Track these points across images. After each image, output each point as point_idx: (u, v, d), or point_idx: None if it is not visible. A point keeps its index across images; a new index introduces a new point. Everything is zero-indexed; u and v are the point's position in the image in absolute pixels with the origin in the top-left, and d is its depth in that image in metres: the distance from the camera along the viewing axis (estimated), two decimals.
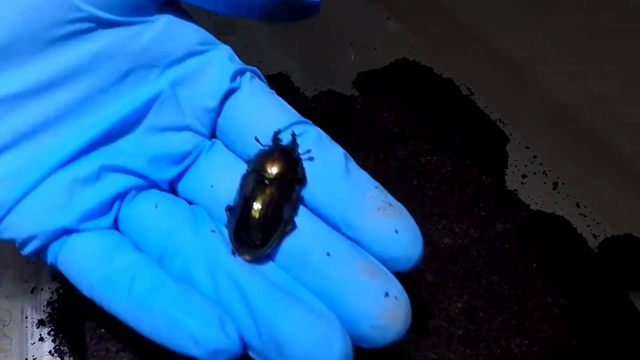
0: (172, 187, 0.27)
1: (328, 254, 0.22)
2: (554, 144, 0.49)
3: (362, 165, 0.32)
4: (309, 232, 0.23)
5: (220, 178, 0.26)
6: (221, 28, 0.58)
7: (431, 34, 0.58)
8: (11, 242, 0.26)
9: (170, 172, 0.26)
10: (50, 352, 0.35)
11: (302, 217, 0.24)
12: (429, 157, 0.35)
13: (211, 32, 0.54)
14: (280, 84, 0.41)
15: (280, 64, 0.54)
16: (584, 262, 0.31)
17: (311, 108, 0.37)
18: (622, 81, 0.52)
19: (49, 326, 0.37)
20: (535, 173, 0.46)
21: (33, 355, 0.36)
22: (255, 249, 0.23)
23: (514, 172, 0.45)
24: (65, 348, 0.36)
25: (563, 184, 0.46)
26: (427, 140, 0.35)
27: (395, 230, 0.22)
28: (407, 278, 0.28)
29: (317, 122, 0.36)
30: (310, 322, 0.21)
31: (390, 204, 0.23)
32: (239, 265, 0.23)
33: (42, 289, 0.39)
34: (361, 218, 0.23)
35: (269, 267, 0.23)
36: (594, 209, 0.44)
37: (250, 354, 0.22)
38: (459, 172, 0.34)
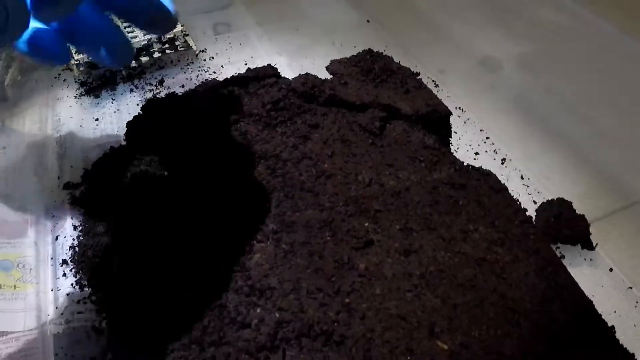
0: None
1: None
2: (507, 128, 0.59)
3: (330, 127, 0.43)
4: None
5: None
6: (218, 28, 0.69)
7: (405, 34, 0.69)
8: None
9: None
10: (72, 284, 0.45)
11: None
12: (383, 123, 0.45)
13: (209, 32, 0.66)
14: (266, 72, 0.51)
15: (270, 60, 0.64)
16: (504, 202, 0.41)
17: (290, 87, 0.47)
18: (573, 78, 0.63)
19: (71, 265, 0.46)
20: (486, 151, 0.56)
21: (58, 287, 0.45)
22: None
23: (467, 150, 0.56)
24: (84, 281, 0.45)
25: (510, 160, 0.56)
26: (383, 111, 0.46)
27: None
28: (360, 207, 0.39)
29: (295, 97, 0.47)
30: None
31: None
32: None
33: (64, 237, 0.48)
34: None
35: None
36: (536, 181, 0.54)
37: None
38: (407, 135, 0.44)
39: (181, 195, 0.39)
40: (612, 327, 0.38)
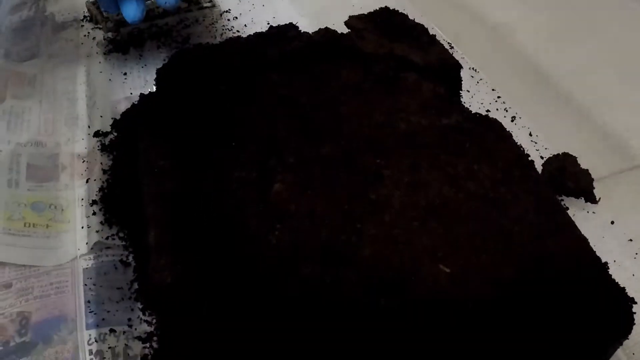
0: None
1: None
2: (518, 89, 0.63)
3: (347, 75, 0.47)
4: None
5: None
6: None
7: None
8: None
9: None
10: (101, 222, 0.49)
11: None
12: (396, 73, 0.49)
13: None
14: (287, 30, 0.55)
15: (292, 21, 0.68)
16: (509, 147, 0.45)
17: (312, 39, 0.51)
18: (585, 44, 0.67)
19: (100, 205, 0.50)
20: (497, 109, 0.60)
21: (88, 225, 0.49)
22: None
23: (479, 108, 0.59)
24: (113, 219, 0.49)
25: (520, 118, 0.59)
26: (397, 62, 0.50)
27: None
28: (372, 146, 0.43)
29: (315, 48, 0.51)
30: None
31: None
32: None
33: (94, 180, 0.53)
34: None
35: None
36: (544, 138, 0.58)
37: None
38: (419, 84, 0.48)
39: (208, 136, 0.44)
40: (605, 263, 0.41)
